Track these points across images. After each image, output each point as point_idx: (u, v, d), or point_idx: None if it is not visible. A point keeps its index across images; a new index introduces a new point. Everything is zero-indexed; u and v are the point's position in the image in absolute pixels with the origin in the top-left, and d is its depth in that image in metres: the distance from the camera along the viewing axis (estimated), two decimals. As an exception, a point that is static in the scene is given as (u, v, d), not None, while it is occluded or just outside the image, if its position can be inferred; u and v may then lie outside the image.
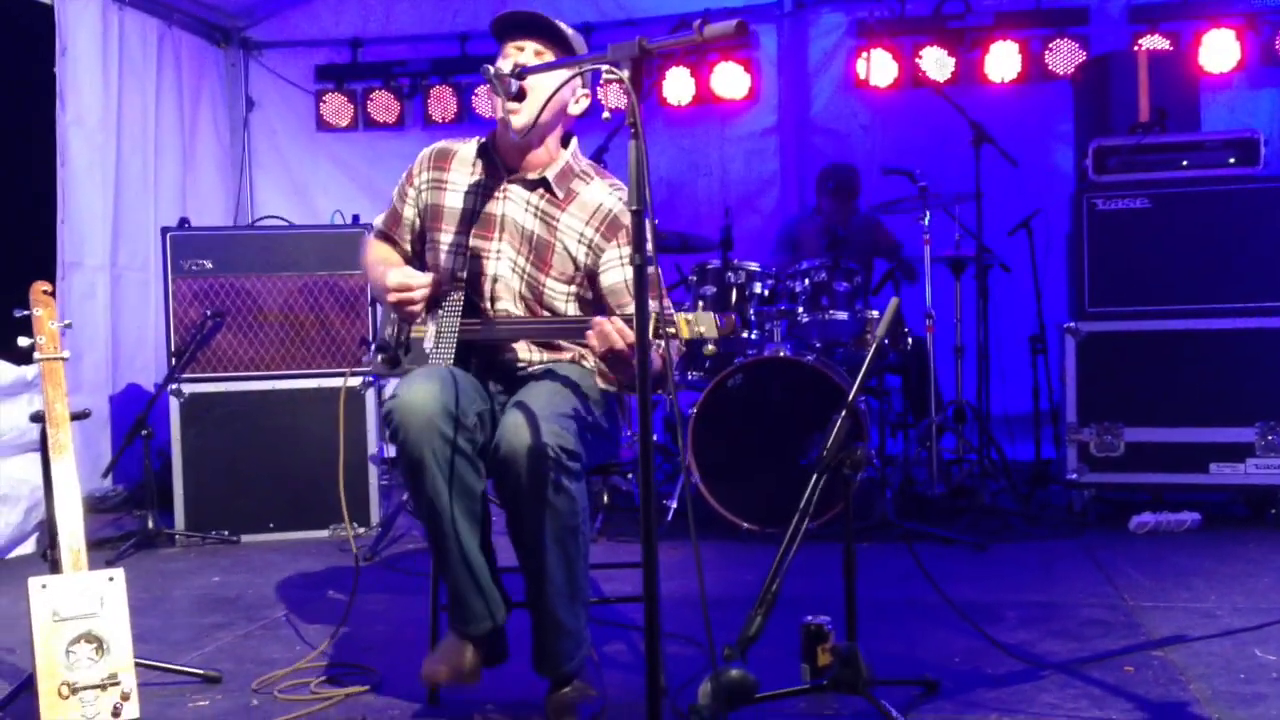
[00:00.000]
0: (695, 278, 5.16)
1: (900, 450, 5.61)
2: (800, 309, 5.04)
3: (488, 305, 2.79)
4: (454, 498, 2.53)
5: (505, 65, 2.56)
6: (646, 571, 2.13)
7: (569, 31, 2.74)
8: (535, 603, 2.61)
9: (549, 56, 2.71)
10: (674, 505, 4.92)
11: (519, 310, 2.80)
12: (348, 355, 5.06)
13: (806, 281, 5.08)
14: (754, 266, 5.14)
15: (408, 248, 2.98)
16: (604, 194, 2.80)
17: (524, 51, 2.72)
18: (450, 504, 2.53)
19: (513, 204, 2.80)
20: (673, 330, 2.38)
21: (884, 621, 3.38)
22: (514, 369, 2.82)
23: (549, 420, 2.45)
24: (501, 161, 2.82)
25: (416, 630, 3.33)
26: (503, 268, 2.78)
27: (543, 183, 2.79)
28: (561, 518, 2.50)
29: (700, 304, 5.05)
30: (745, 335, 5.04)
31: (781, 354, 4.81)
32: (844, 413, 2.59)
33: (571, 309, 2.82)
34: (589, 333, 2.52)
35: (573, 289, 2.81)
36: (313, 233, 5.21)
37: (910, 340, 5.40)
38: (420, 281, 2.69)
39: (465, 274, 2.79)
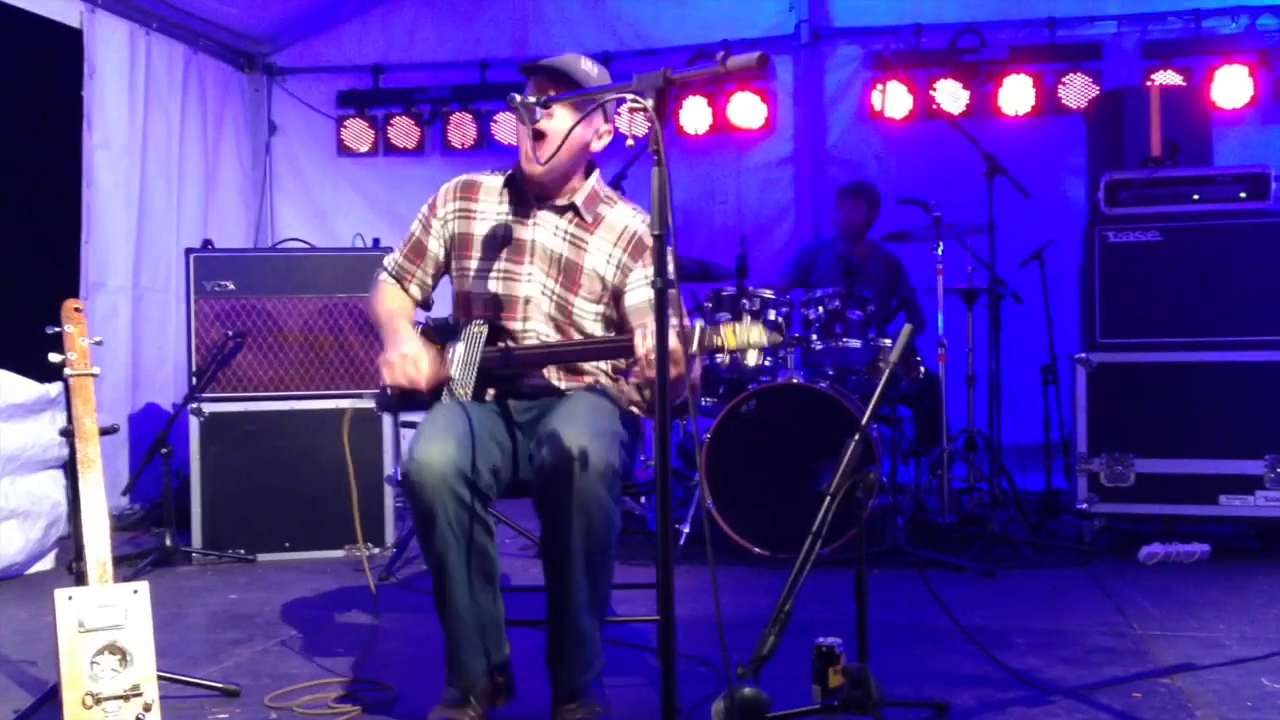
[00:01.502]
0: (710, 304, 5.21)
1: (912, 479, 5.64)
2: (814, 336, 5.10)
3: (519, 327, 2.86)
4: (461, 555, 2.61)
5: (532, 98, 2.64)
6: (662, 592, 2.18)
7: (593, 72, 2.79)
8: (561, 615, 2.67)
9: (565, 107, 2.73)
10: (686, 530, 4.96)
11: (549, 330, 2.88)
12: (365, 377, 5.11)
13: (820, 309, 5.13)
14: (768, 294, 5.18)
15: (419, 293, 3.05)
16: (629, 217, 2.92)
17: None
18: (457, 560, 2.61)
19: (542, 230, 2.90)
20: (720, 341, 2.45)
21: (894, 646, 3.41)
22: (538, 393, 2.88)
23: (596, 438, 2.53)
24: (530, 190, 2.90)
25: (432, 648, 3.36)
26: (533, 289, 2.87)
27: (571, 208, 2.90)
28: (598, 534, 2.57)
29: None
30: (759, 361, 5.08)
31: (795, 380, 4.85)
32: (856, 437, 2.64)
33: (599, 329, 2.91)
34: (641, 357, 2.56)
35: (600, 308, 2.91)
36: (334, 255, 5.28)
37: (922, 370, 5.45)
38: (417, 373, 2.78)
39: (497, 298, 2.87)
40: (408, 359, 2.79)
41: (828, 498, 2.62)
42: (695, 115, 7.03)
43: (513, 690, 2.80)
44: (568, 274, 2.88)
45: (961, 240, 5.46)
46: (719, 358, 2.53)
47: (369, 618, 3.98)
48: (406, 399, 2.88)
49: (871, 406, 2.76)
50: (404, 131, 7.45)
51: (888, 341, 5.13)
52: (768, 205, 7.18)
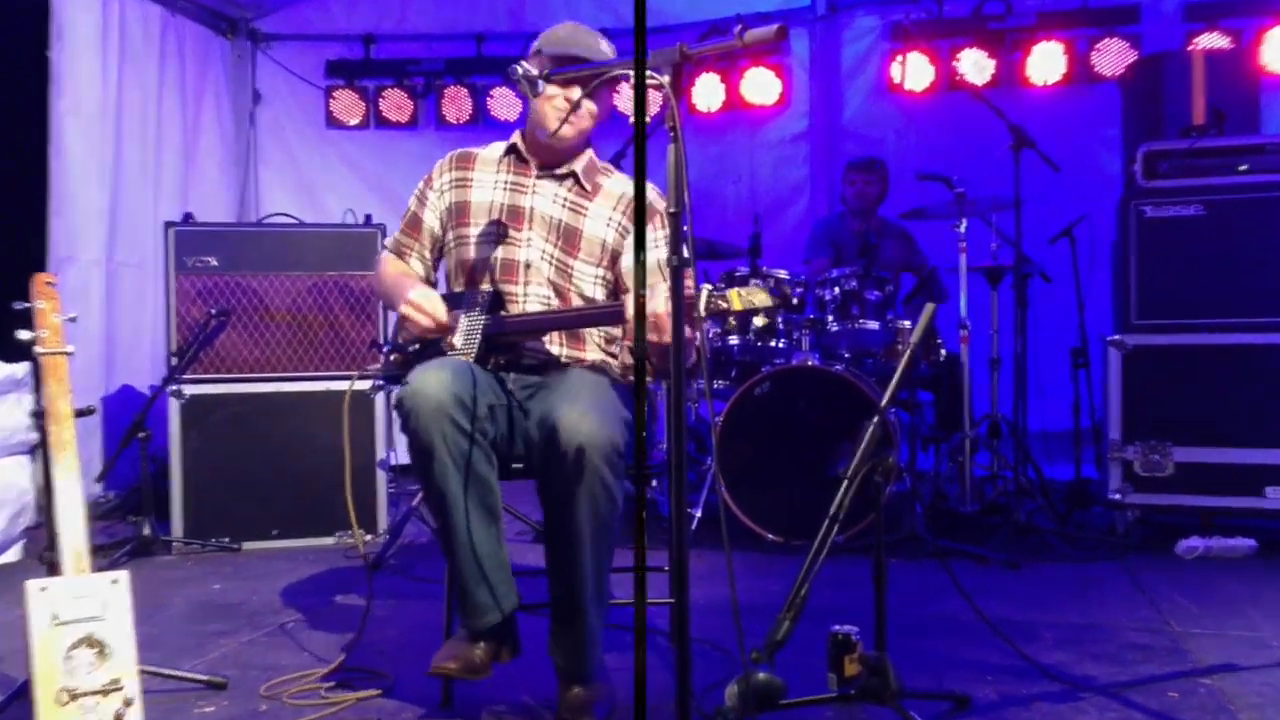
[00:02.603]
0: (724, 284, 5.21)
1: (931, 465, 5.64)
2: (830, 318, 5.09)
3: (519, 291, 2.97)
4: (463, 484, 2.64)
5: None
6: (676, 575, 2.19)
7: (603, 47, 2.97)
8: (565, 600, 2.70)
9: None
10: (698, 514, 4.98)
11: (550, 294, 2.99)
12: (357, 358, 5.12)
13: (837, 290, 5.13)
14: (783, 274, 5.18)
15: (420, 268, 3.17)
16: (626, 184, 3.09)
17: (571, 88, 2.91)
18: (459, 491, 2.64)
19: (541, 197, 3.04)
20: (725, 304, 2.54)
21: (912, 635, 3.42)
22: (537, 361, 2.96)
23: (600, 417, 2.58)
24: (531, 158, 3.06)
25: (426, 635, 3.38)
26: (533, 254, 2.99)
27: (571, 176, 3.06)
28: (603, 517, 2.62)
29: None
30: (773, 344, 5.09)
31: (809, 363, 4.86)
32: (876, 419, 2.64)
33: (599, 293, 3.03)
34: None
35: (600, 271, 3.04)
36: (324, 231, 5.27)
37: (943, 352, 5.44)
38: (436, 308, 2.85)
39: (497, 264, 2.98)
40: (419, 302, 2.84)
41: (845, 481, 2.62)
42: (708, 92, 7.06)
43: (518, 647, 2.82)
44: (567, 238, 3.01)
45: (985, 217, 5.44)
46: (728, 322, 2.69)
47: (361, 605, 3.98)
48: (424, 353, 2.90)
49: (892, 388, 2.76)
50: (396, 104, 7.47)
51: (906, 323, 5.13)
52: (782, 183, 7.19)
